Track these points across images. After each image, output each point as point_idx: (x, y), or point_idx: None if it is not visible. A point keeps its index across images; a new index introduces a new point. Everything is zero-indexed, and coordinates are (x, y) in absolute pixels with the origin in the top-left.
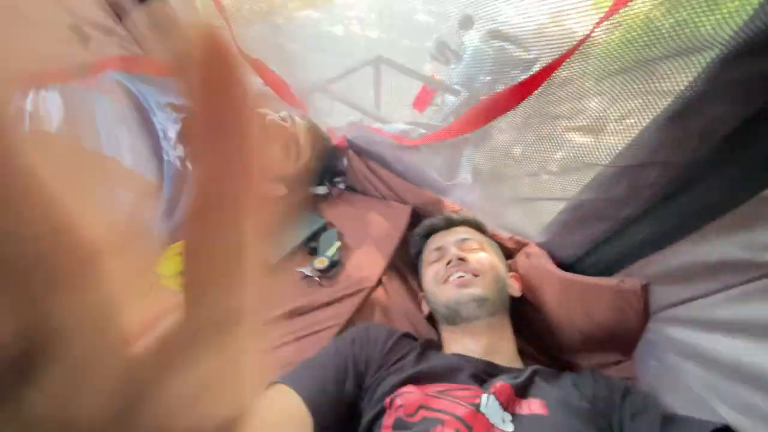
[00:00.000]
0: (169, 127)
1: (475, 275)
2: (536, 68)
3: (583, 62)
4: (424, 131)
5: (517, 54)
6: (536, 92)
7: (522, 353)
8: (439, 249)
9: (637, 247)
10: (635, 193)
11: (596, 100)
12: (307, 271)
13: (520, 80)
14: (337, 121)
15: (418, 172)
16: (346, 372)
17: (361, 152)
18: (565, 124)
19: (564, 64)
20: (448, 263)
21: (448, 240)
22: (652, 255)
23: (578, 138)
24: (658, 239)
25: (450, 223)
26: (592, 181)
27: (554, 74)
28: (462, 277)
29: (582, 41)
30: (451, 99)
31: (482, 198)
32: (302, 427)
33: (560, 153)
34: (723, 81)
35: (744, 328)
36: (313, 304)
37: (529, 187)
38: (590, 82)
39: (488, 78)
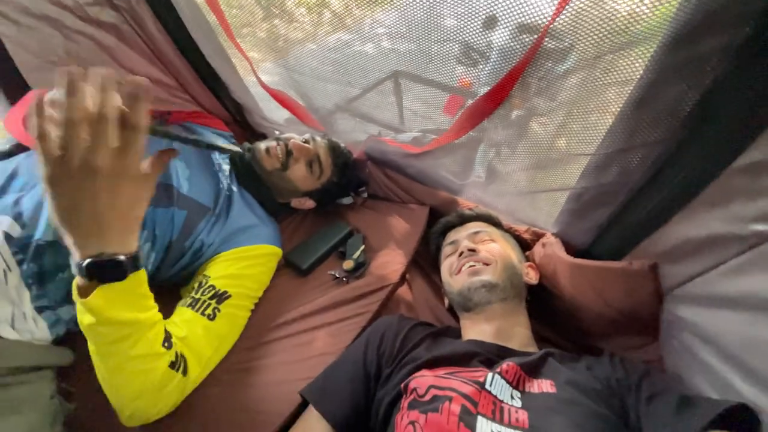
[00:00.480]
0: (222, 163)
1: (486, 264)
2: (572, 57)
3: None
4: (434, 136)
5: (550, 45)
6: (580, 80)
7: (544, 339)
8: (453, 243)
9: (639, 228)
10: (626, 177)
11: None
12: (337, 273)
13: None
14: (360, 136)
15: (431, 175)
16: (366, 380)
17: (377, 162)
18: (613, 110)
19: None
20: (461, 255)
21: (461, 234)
22: (653, 235)
23: None
24: (655, 218)
25: (463, 219)
26: (586, 169)
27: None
28: (473, 266)
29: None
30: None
31: (495, 194)
32: None
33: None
34: (671, 65)
35: (743, 301)
36: (342, 299)
37: (533, 181)
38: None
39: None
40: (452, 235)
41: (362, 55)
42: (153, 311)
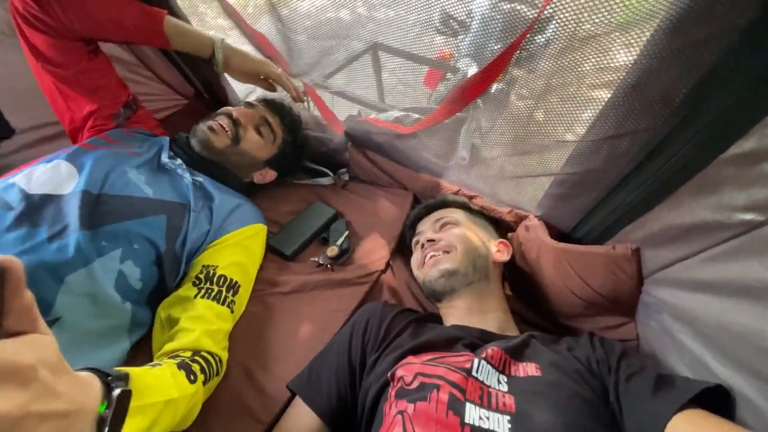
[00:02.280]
0: (171, 162)
1: (446, 252)
2: (552, 27)
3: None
4: (417, 116)
5: (532, 14)
6: (557, 51)
7: (526, 321)
8: (417, 235)
9: (623, 213)
10: (613, 163)
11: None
12: (321, 260)
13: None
14: (339, 114)
15: (415, 157)
16: (350, 372)
17: (359, 144)
18: (590, 82)
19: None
20: (422, 246)
21: (425, 225)
22: (638, 220)
23: (605, 94)
24: (640, 204)
25: (428, 209)
26: (572, 156)
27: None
28: (434, 256)
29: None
30: (460, 72)
31: (478, 177)
32: None
33: (587, 113)
34: (668, 50)
35: (722, 287)
36: (328, 288)
37: (518, 165)
38: (617, 33)
39: (498, 45)
40: (419, 227)
41: (337, 22)
42: (167, 379)
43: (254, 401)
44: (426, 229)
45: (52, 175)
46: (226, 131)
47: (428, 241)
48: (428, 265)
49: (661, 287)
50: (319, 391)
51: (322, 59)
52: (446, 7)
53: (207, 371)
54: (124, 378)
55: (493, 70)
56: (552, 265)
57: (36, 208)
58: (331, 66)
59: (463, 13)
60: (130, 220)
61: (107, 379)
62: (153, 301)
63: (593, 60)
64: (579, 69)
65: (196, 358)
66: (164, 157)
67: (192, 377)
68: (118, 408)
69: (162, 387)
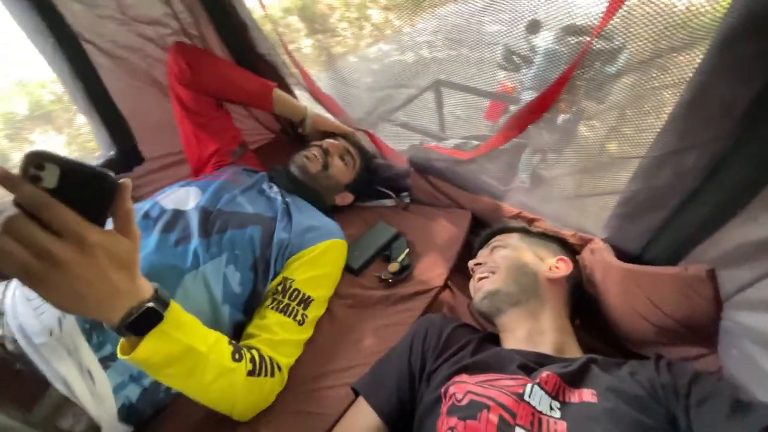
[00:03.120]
0: (267, 188)
1: (492, 272)
2: (623, 56)
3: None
4: (476, 143)
5: (599, 45)
6: (631, 82)
7: (592, 350)
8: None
9: (694, 232)
10: (679, 179)
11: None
12: (383, 275)
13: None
14: (401, 146)
15: (475, 181)
16: (410, 376)
17: (421, 170)
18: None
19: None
20: (472, 272)
21: (480, 255)
22: (709, 239)
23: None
24: (710, 222)
25: (487, 238)
26: (637, 173)
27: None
28: (480, 278)
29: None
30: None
31: (540, 199)
32: None
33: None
34: (724, 64)
35: None
36: (388, 302)
37: (580, 185)
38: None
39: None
40: (478, 256)
41: (402, 64)
42: (204, 334)
43: (315, 408)
44: (479, 258)
45: (184, 195)
46: (318, 159)
47: (476, 265)
48: (475, 289)
49: (741, 311)
50: (381, 392)
51: (379, 106)
52: (509, 43)
53: (257, 364)
54: (167, 302)
55: (548, 96)
56: (619, 288)
57: (169, 220)
58: (393, 104)
59: (527, 49)
60: (235, 230)
61: (156, 294)
62: (247, 310)
63: (670, 91)
64: (656, 98)
65: (252, 351)
66: (264, 186)
67: (237, 356)
68: (143, 315)
69: (194, 334)
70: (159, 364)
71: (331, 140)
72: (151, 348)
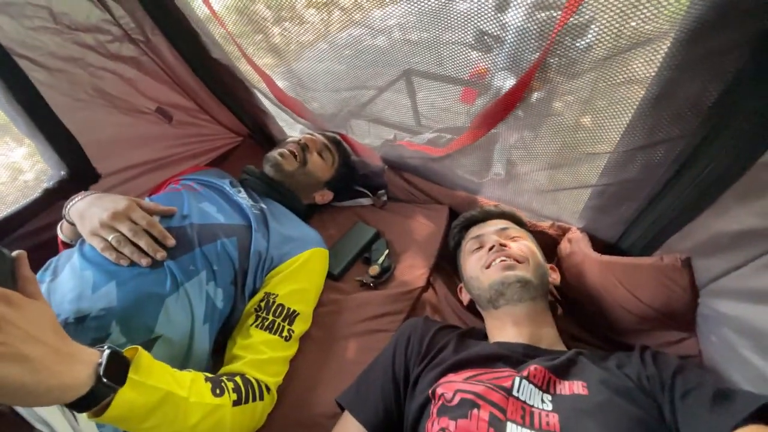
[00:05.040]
0: (234, 193)
1: (518, 261)
2: (592, 30)
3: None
4: (450, 136)
5: (572, 20)
6: (602, 54)
7: (575, 338)
8: (477, 238)
9: (668, 222)
10: (650, 172)
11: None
12: (364, 280)
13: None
14: (375, 142)
15: (450, 176)
16: (395, 386)
17: (394, 167)
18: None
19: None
20: (491, 249)
21: (487, 230)
22: (684, 229)
23: None
24: (684, 213)
25: (488, 215)
26: (607, 167)
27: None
28: (504, 261)
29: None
30: (496, 86)
31: (515, 192)
32: None
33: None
34: (688, 60)
35: None
36: (371, 307)
37: (553, 179)
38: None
39: (536, 55)
40: (475, 231)
41: (374, 49)
42: (179, 377)
43: (302, 418)
44: (488, 233)
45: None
46: (295, 156)
47: (500, 245)
48: (498, 267)
49: (718, 299)
50: (366, 404)
51: (351, 101)
52: (480, 22)
53: (243, 392)
54: (125, 353)
55: (519, 88)
56: (598, 280)
57: None
58: (363, 99)
59: (497, 28)
60: (208, 244)
61: (104, 347)
62: (225, 327)
63: (642, 58)
64: (627, 69)
65: (235, 378)
66: (229, 190)
67: (218, 391)
68: (109, 364)
69: (169, 379)
70: (138, 417)
71: (308, 135)
72: (127, 401)
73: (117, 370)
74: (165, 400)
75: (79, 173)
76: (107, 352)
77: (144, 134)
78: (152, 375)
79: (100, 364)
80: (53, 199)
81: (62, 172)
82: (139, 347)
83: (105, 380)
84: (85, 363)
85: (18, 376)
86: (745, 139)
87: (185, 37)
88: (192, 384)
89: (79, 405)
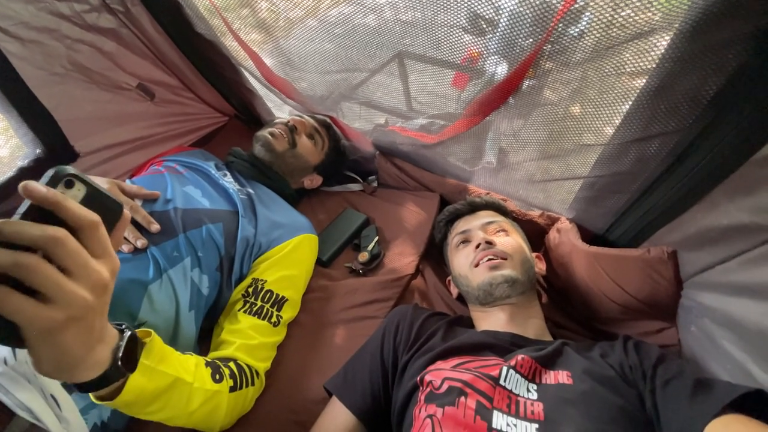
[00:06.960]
0: (219, 176)
1: (504, 258)
2: (586, 16)
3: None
4: (443, 122)
5: (562, 5)
6: (593, 42)
7: (560, 326)
8: (464, 233)
9: (658, 215)
10: (642, 165)
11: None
12: (353, 266)
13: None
14: (366, 126)
15: (441, 163)
16: (383, 373)
17: (386, 152)
18: (630, 71)
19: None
20: (477, 247)
21: (473, 224)
22: (673, 222)
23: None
24: (674, 206)
25: (473, 208)
26: (600, 159)
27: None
28: (492, 259)
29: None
30: (489, 71)
31: (506, 182)
32: None
33: (628, 104)
34: (689, 53)
35: (762, 291)
36: (360, 293)
37: (545, 170)
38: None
39: (529, 40)
40: (462, 225)
41: (366, 29)
42: (184, 361)
43: (291, 404)
44: (474, 228)
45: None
46: (284, 137)
47: (486, 242)
48: (485, 267)
49: (701, 291)
50: (354, 390)
51: (341, 83)
52: (474, 5)
53: (238, 378)
54: (143, 335)
55: (520, 70)
56: (585, 270)
57: None
58: (355, 80)
59: (491, 11)
60: (192, 229)
61: (123, 326)
62: (211, 313)
63: (633, 48)
64: (618, 58)
65: (229, 364)
66: (215, 174)
67: (217, 377)
68: (128, 346)
69: (178, 365)
70: (143, 402)
71: (297, 117)
72: (139, 386)
73: (130, 353)
74: (173, 386)
75: (56, 152)
76: (128, 334)
77: (124, 112)
78: (163, 360)
79: (119, 347)
80: (28, 179)
81: (38, 150)
82: (152, 330)
83: (119, 363)
84: (107, 343)
85: (77, 346)
86: (740, 135)
87: (167, 9)
88: (196, 369)
89: (87, 386)
